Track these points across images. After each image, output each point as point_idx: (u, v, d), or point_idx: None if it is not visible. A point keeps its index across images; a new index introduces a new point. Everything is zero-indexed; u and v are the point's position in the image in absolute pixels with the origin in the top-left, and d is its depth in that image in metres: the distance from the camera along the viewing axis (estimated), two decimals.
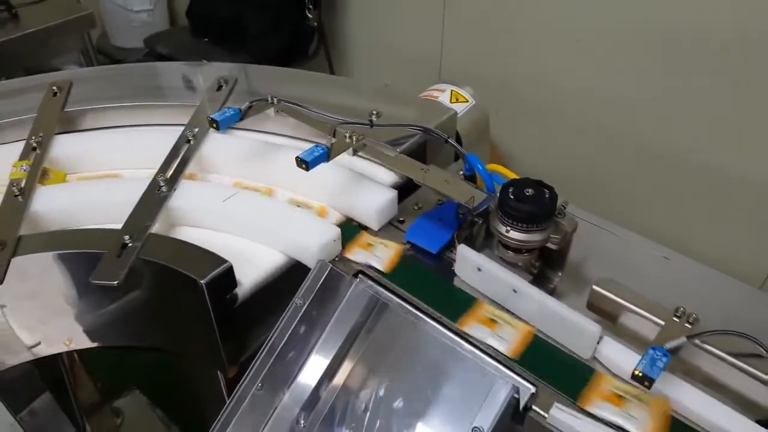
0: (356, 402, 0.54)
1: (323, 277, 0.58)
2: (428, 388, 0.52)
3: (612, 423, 0.48)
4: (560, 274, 0.62)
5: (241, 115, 0.71)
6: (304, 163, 0.61)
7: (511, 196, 0.55)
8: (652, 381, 0.45)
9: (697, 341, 0.50)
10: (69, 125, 0.83)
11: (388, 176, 0.75)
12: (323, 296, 0.59)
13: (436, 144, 0.81)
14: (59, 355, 1.01)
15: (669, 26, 1.36)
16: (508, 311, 0.58)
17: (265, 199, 0.70)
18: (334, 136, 0.69)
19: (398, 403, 0.52)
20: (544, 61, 1.69)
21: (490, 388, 0.50)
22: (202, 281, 0.58)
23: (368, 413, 0.53)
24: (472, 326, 0.57)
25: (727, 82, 1.32)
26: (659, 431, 0.46)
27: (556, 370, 0.53)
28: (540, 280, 0.62)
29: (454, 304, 0.58)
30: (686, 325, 0.50)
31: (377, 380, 0.54)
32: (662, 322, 0.51)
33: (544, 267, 0.62)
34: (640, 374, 0.46)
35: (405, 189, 0.75)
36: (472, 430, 0.47)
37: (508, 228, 0.56)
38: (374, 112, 0.80)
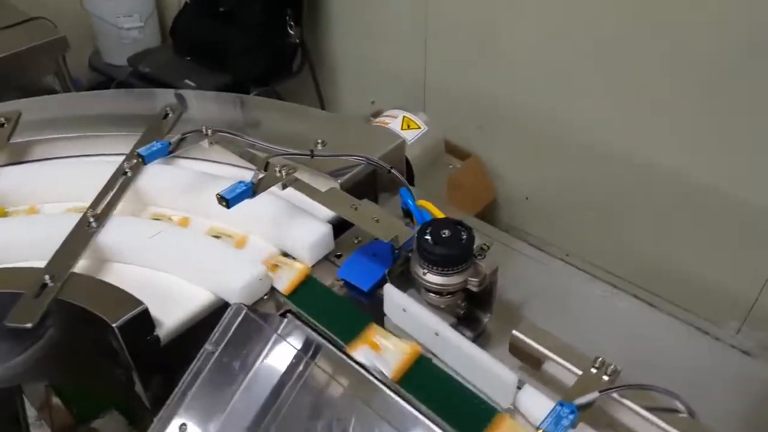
0: None
1: (237, 322, 0.56)
2: None
3: None
4: (489, 315, 0.59)
5: (171, 148, 0.69)
6: (225, 201, 0.60)
7: (427, 238, 0.53)
8: None
9: (615, 395, 0.47)
10: (17, 156, 0.83)
11: (330, 213, 0.73)
12: (239, 342, 0.57)
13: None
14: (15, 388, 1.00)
15: (653, 46, 1.34)
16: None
17: (192, 235, 0.68)
18: (265, 170, 0.67)
19: None
20: (526, 79, 1.68)
21: None
22: (113, 324, 0.57)
23: None
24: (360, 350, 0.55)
25: (714, 101, 1.29)
26: None
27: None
28: (469, 321, 0.60)
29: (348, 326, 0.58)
30: (604, 377, 0.48)
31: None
32: (580, 372, 0.49)
33: (473, 308, 0.60)
34: None
35: (345, 226, 0.73)
36: None
37: (425, 271, 0.54)
38: (319, 140, 0.78)
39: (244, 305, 0.58)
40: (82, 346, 0.67)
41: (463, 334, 0.55)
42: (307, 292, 0.63)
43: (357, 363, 0.55)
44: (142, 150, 0.68)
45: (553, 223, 1.84)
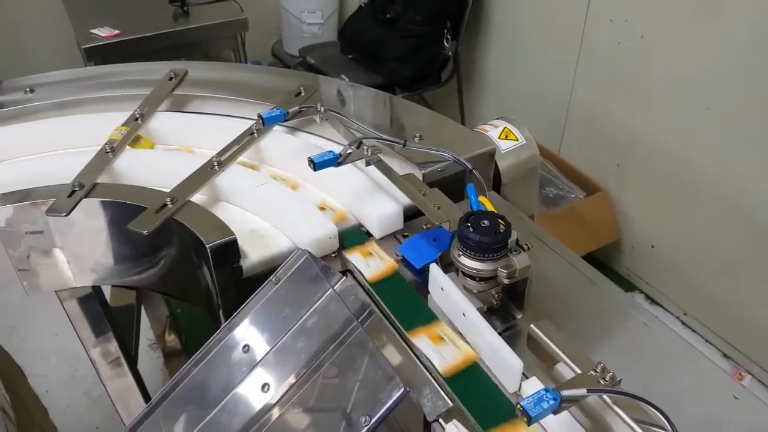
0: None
1: (299, 263, 0.66)
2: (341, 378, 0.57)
3: None
4: (521, 312, 0.63)
5: (288, 117, 0.81)
6: (313, 164, 0.70)
7: (467, 224, 0.59)
8: (530, 418, 0.46)
9: (605, 397, 0.49)
10: (176, 106, 1.01)
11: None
12: (299, 283, 0.66)
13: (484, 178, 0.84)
14: None
15: None
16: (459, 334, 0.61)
17: (287, 192, 0.79)
18: (357, 148, 0.76)
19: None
20: (672, 121, 1.62)
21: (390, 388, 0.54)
22: (207, 245, 0.69)
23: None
24: (421, 339, 0.61)
25: None
26: None
27: (482, 399, 0.55)
28: (502, 314, 0.64)
29: (416, 316, 0.63)
30: (600, 380, 0.50)
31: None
32: (579, 371, 0.51)
33: (508, 303, 0.64)
34: (521, 409, 0.47)
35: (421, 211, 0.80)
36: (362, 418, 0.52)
37: (460, 253, 0.59)
38: (417, 134, 0.86)
39: (310, 253, 0.67)
40: (188, 264, 0.81)
41: (493, 325, 0.60)
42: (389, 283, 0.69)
43: (405, 342, 0.61)
44: (263, 113, 0.80)
45: (676, 277, 1.74)
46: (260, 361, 0.65)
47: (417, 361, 0.60)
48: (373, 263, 0.71)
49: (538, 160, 0.92)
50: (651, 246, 1.80)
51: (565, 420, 0.51)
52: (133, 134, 0.89)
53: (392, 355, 0.63)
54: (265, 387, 0.63)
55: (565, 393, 0.48)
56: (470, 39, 2.22)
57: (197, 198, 0.79)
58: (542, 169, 1.93)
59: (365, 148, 0.75)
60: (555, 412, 0.48)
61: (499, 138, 0.90)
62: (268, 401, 0.63)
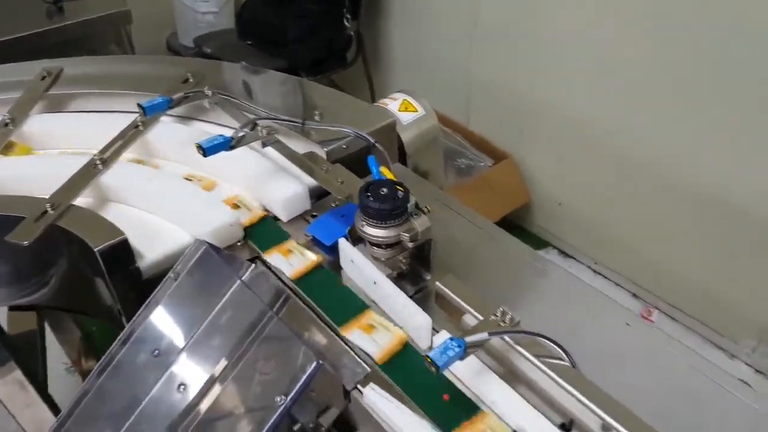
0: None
1: (197, 256, 0.62)
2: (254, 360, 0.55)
3: None
4: (428, 274, 0.63)
5: (173, 104, 0.76)
6: (202, 150, 0.66)
7: (367, 194, 0.57)
8: (437, 367, 0.46)
9: (507, 338, 0.50)
10: (53, 106, 0.93)
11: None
12: (201, 277, 0.62)
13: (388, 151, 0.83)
14: None
15: (703, 60, 1.30)
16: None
17: (177, 182, 0.75)
18: (252, 129, 0.73)
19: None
20: (570, 86, 1.67)
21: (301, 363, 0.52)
22: (95, 249, 0.64)
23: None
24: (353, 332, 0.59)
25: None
26: None
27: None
28: (413, 278, 0.64)
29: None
30: (501, 324, 0.50)
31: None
32: (482, 318, 0.51)
33: (417, 266, 0.63)
34: (429, 360, 0.47)
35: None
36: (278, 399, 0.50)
37: (364, 223, 0.58)
38: (317, 113, 0.83)
39: (208, 243, 0.63)
40: (82, 273, 0.75)
41: (404, 289, 0.59)
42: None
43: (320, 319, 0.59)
44: (144, 102, 0.75)
45: (584, 230, 1.82)
46: (174, 362, 0.62)
47: (336, 337, 0.59)
48: (294, 260, 0.67)
49: (439, 130, 0.92)
50: (558, 204, 1.87)
51: (473, 366, 0.52)
52: (3, 141, 0.81)
53: (312, 335, 0.61)
54: (181, 387, 0.60)
55: (469, 339, 0.49)
56: (372, 18, 2.21)
57: (82, 201, 0.73)
58: (452, 142, 1.96)
59: (260, 129, 0.72)
60: (461, 359, 0.48)
61: (399, 111, 0.90)
62: (188, 402, 0.59)
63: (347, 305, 0.61)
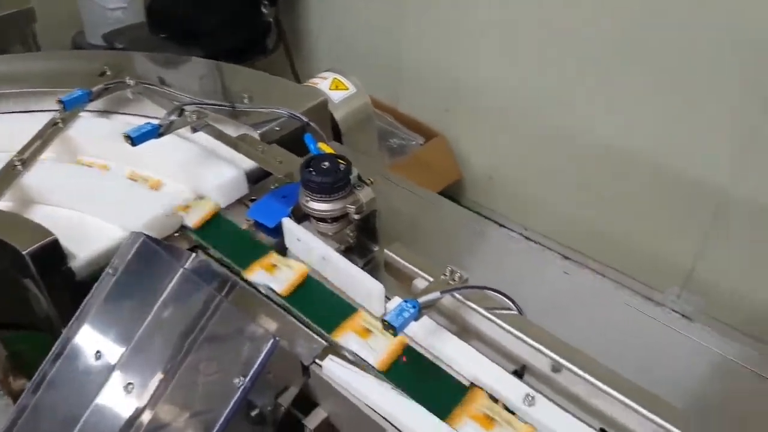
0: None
1: (134, 248, 0.60)
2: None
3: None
4: (376, 245, 0.63)
5: (92, 97, 0.73)
6: (130, 139, 0.64)
7: (310, 169, 0.57)
8: (394, 329, 0.47)
9: (457, 295, 0.51)
10: None
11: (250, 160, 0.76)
12: (141, 270, 0.60)
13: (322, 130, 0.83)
14: None
15: (622, 31, 1.36)
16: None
17: (105, 177, 0.72)
18: (179, 115, 0.71)
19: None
20: (491, 65, 1.71)
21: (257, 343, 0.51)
22: (24, 251, 0.60)
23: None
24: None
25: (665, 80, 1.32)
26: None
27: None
28: (361, 251, 0.64)
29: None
30: (450, 282, 0.52)
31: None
32: (431, 279, 0.53)
33: (364, 239, 0.64)
34: (386, 323, 0.48)
35: (267, 173, 0.77)
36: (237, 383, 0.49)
37: (308, 198, 0.58)
38: (246, 96, 0.82)
39: (146, 234, 0.61)
40: (12, 282, 0.70)
41: (354, 261, 0.60)
42: (214, 227, 0.66)
43: (263, 296, 0.59)
44: (63, 97, 0.71)
45: (514, 200, 1.88)
46: (119, 362, 0.59)
47: (289, 316, 0.58)
48: (281, 275, 0.62)
49: (371, 107, 0.92)
50: (489, 177, 1.93)
51: (428, 326, 0.53)
52: None
53: (264, 317, 0.60)
54: (129, 387, 0.58)
55: (423, 299, 0.50)
56: (291, 3, 2.17)
57: (4, 205, 0.69)
58: (383, 122, 1.97)
59: (188, 114, 0.70)
60: (416, 319, 0.50)
61: (330, 89, 0.89)
62: (138, 401, 0.57)
63: (250, 250, 0.62)
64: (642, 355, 0.56)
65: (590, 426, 0.47)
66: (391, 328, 0.47)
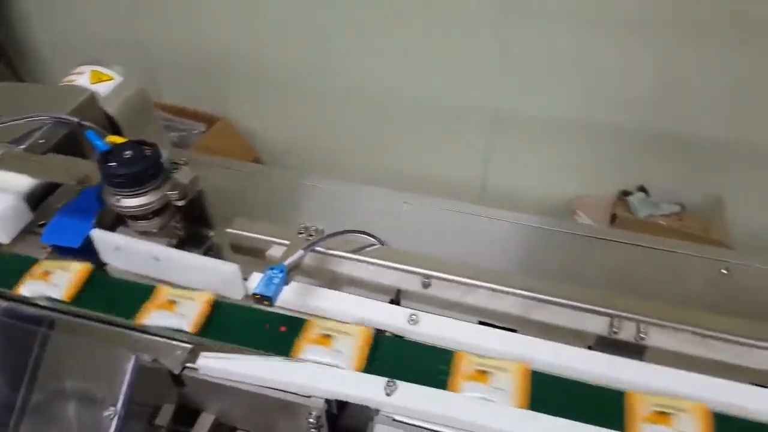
0: None
1: None
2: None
3: None
4: (211, 229, 0.58)
5: None
6: None
7: (111, 164, 0.50)
8: (269, 299, 0.45)
9: (318, 248, 0.50)
10: None
11: (24, 182, 0.64)
12: None
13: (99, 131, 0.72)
14: None
15: None
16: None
17: None
18: None
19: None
20: (259, 36, 1.66)
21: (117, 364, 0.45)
22: None
23: None
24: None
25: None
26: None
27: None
28: (195, 240, 0.59)
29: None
30: (308, 238, 0.50)
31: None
32: (288, 242, 0.50)
33: (197, 227, 0.58)
34: (258, 296, 0.45)
35: (49, 190, 0.66)
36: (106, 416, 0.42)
37: (119, 197, 0.51)
38: None
39: None
40: None
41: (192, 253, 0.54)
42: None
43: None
44: None
45: (320, 166, 1.88)
46: None
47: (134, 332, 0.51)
48: (58, 280, 0.54)
49: (146, 93, 0.83)
50: (288, 151, 1.91)
51: (298, 289, 0.51)
52: None
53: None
54: None
55: (288, 261, 0.48)
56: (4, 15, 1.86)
57: None
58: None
59: None
60: (287, 283, 0.47)
61: (91, 83, 0.78)
62: None
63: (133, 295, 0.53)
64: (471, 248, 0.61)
65: (470, 323, 0.50)
66: (266, 299, 0.44)
